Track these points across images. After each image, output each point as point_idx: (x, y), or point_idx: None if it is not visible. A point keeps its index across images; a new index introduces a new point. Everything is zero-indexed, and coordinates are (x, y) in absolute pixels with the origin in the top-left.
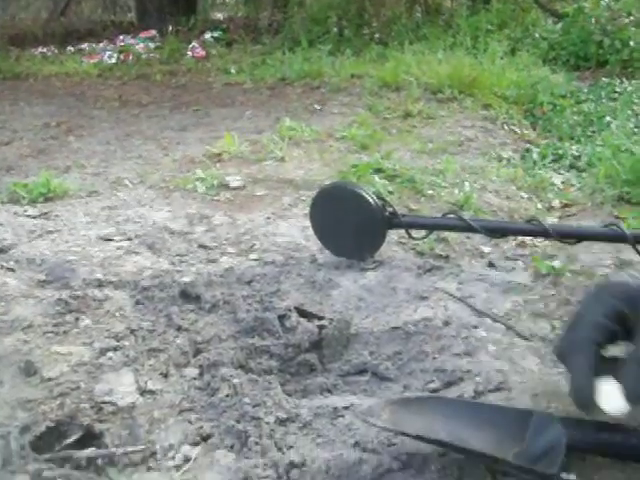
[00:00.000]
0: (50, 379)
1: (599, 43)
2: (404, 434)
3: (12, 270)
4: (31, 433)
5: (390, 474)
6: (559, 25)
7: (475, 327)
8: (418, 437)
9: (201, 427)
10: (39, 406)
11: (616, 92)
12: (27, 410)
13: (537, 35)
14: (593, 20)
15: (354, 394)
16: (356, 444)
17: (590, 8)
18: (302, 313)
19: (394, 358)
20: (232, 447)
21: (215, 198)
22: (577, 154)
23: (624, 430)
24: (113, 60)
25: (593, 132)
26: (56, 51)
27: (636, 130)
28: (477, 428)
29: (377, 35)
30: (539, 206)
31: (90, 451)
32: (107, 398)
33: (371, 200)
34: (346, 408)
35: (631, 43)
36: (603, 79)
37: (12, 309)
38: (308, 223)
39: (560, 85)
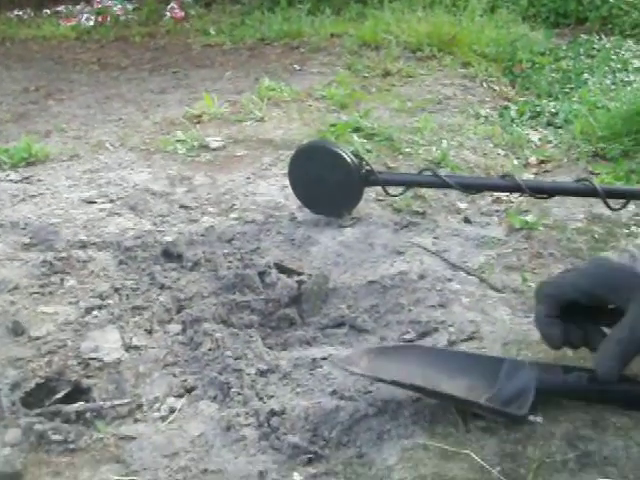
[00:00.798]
0: (38, 338)
1: (579, 0)
2: (381, 380)
3: None
4: (21, 389)
5: (366, 419)
6: None
7: (449, 280)
8: (394, 382)
9: (185, 380)
10: (28, 364)
11: (594, 49)
12: (17, 368)
13: None
14: None
15: (332, 346)
16: (334, 392)
17: None
18: (282, 269)
19: (371, 311)
20: (215, 398)
21: (195, 159)
22: (554, 111)
23: (590, 373)
24: (91, 23)
25: (571, 89)
26: (32, 14)
27: (613, 87)
28: (451, 375)
29: None
30: (515, 162)
31: (78, 405)
32: (93, 355)
33: (348, 158)
34: (324, 359)
35: None
36: (582, 36)
37: None
38: (287, 182)
39: (539, 42)
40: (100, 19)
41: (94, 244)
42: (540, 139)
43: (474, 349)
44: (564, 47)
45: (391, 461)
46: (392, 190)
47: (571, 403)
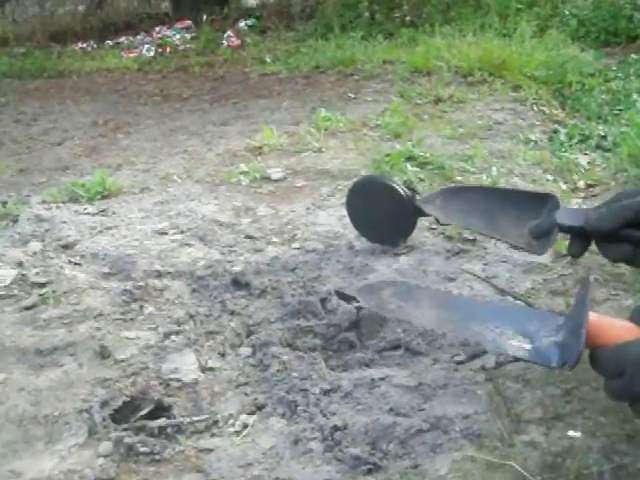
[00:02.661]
0: (122, 360)
1: (629, 18)
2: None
3: (79, 264)
4: (110, 407)
5: (420, 434)
6: (589, 0)
7: None
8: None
9: (256, 398)
10: (115, 384)
11: None
12: (105, 387)
13: (567, 12)
14: None
15: (389, 367)
16: (391, 410)
17: None
18: (342, 296)
19: (425, 334)
20: (283, 415)
21: (258, 190)
22: (603, 134)
23: None
24: (151, 53)
25: (620, 111)
26: (95, 46)
27: None
28: (505, 209)
29: (408, 17)
30: (564, 187)
31: (161, 421)
32: (173, 375)
33: (401, 191)
34: (382, 379)
35: None
36: (632, 56)
37: (83, 300)
38: (345, 212)
39: (589, 63)
40: (160, 50)
41: (169, 273)
42: (589, 163)
43: (520, 369)
44: (614, 67)
45: (442, 471)
46: None
47: (608, 419)
